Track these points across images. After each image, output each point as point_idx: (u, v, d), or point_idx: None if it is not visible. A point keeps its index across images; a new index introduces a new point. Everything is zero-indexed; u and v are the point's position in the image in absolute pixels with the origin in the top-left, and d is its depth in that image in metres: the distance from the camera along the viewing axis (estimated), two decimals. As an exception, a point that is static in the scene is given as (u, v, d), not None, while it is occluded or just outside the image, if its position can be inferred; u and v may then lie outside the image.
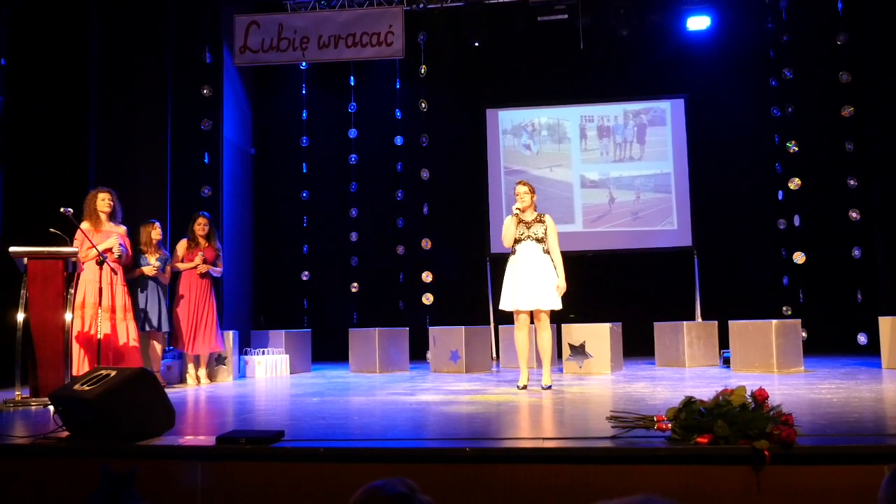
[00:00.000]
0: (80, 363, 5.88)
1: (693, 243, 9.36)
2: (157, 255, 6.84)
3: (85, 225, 6.11)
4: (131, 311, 6.29)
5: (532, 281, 5.76)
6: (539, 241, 5.84)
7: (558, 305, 5.82)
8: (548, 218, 5.95)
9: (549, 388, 5.76)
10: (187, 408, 5.34)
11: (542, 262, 5.82)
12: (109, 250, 6.13)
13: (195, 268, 7.04)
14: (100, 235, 6.16)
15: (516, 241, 5.88)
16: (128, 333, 6.19)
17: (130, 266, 6.57)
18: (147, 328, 6.61)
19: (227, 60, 9.15)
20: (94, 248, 5.77)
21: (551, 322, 5.94)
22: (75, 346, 5.88)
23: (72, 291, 5.64)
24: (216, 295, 7.29)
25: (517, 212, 5.86)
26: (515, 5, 9.05)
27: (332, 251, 9.95)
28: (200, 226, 7.17)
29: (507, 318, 6.26)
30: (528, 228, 5.86)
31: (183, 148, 8.48)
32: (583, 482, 3.07)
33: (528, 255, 5.83)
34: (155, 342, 6.78)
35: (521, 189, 5.92)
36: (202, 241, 7.15)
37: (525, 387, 5.80)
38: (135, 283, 6.65)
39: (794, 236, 8.74)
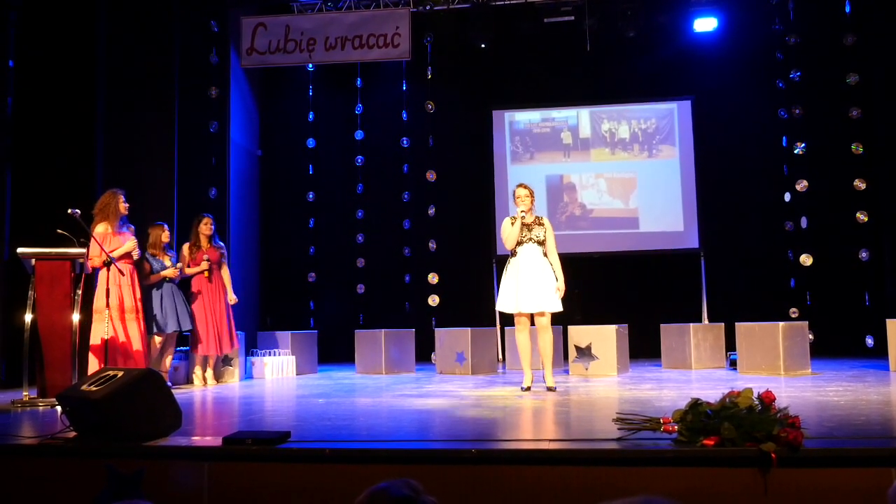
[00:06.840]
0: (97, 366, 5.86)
1: (700, 245, 9.33)
2: (169, 257, 6.86)
3: (102, 228, 6.10)
4: (135, 313, 6.24)
5: (535, 283, 5.77)
6: (540, 243, 5.87)
7: (560, 307, 5.86)
8: (546, 220, 6.00)
9: (554, 389, 5.76)
10: (194, 408, 5.36)
11: (544, 265, 5.85)
12: (129, 254, 6.18)
13: (202, 272, 7.04)
14: (117, 238, 6.19)
15: (518, 244, 5.89)
16: (139, 335, 6.19)
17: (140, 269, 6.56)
18: (156, 330, 6.60)
19: (233, 62, 9.17)
20: (105, 254, 5.73)
21: (555, 324, 5.94)
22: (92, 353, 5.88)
23: (79, 293, 5.65)
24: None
25: (523, 215, 5.87)
26: (522, 7, 9.05)
27: (338, 252, 9.96)
28: (207, 225, 7.15)
29: (512, 320, 6.25)
30: (530, 231, 5.88)
31: (190, 149, 8.49)
32: (588, 484, 3.07)
33: (530, 258, 5.84)
34: (167, 344, 6.77)
35: (523, 192, 5.94)
36: (206, 242, 7.15)
37: (529, 388, 5.81)
38: (150, 285, 6.65)
39: (802, 238, 8.70)
